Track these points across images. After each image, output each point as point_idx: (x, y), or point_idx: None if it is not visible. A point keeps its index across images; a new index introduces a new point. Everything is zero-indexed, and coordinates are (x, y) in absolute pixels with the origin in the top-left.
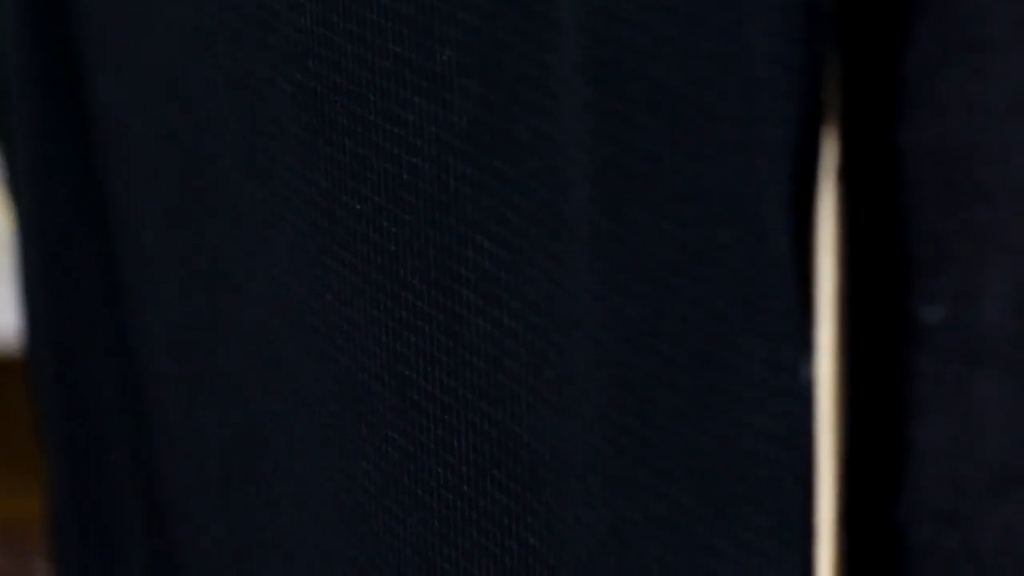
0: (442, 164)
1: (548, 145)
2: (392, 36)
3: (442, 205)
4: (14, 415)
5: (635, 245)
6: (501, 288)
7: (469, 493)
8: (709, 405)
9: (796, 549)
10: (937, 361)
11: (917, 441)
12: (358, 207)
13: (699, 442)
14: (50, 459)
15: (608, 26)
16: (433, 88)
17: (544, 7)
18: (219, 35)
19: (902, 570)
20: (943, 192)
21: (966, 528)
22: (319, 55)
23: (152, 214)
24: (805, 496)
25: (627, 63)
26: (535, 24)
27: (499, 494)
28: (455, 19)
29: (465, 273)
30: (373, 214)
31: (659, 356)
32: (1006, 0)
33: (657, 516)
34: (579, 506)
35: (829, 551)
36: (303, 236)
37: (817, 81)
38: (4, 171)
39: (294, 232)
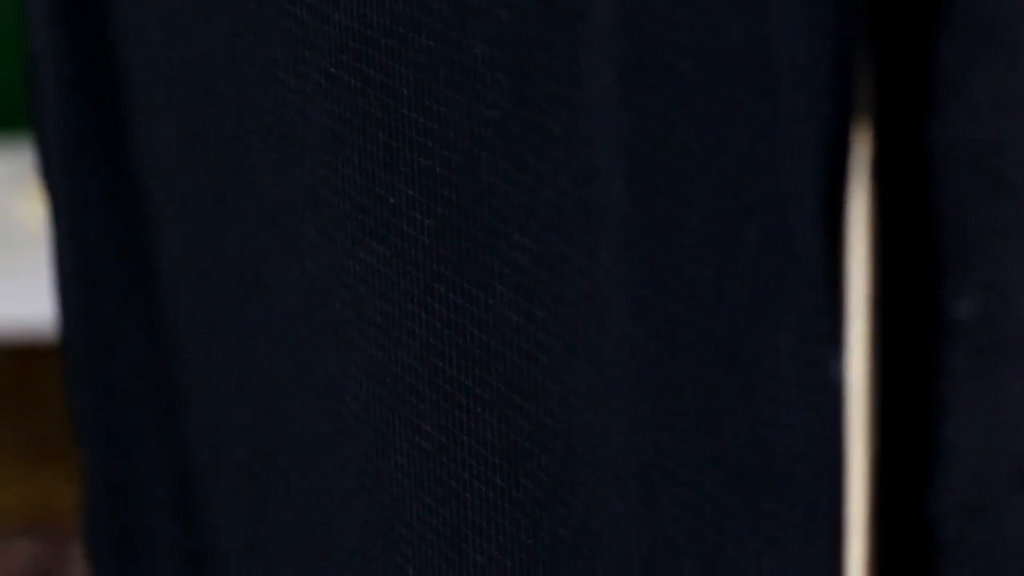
0: (474, 158)
1: (579, 140)
2: (426, 31)
3: (474, 198)
4: (47, 405)
5: (666, 240)
6: (533, 281)
7: (502, 485)
8: (739, 399)
9: (823, 543)
10: (966, 356)
11: (946, 436)
12: (391, 200)
13: (728, 436)
14: (82, 448)
15: (640, 22)
16: (466, 82)
17: (577, 3)
18: (251, 29)
19: (932, 563)
20: (973, 188)
21: (994, 522)
22: (353, 49)
23: (183, 207)
24: (833, 491)
25: (659, 59)
26: (568, 20)
27: (532, 486)
28: (489, 14)
29: (497, 266)
30: (406, 207)
31: (689, 350)
32: None
33: (687, 508)
34: (611, 498)
35: (860, 545)
36: (335, 229)
37: (848, 78)
38: (39, 167)
39: (326, 225)
